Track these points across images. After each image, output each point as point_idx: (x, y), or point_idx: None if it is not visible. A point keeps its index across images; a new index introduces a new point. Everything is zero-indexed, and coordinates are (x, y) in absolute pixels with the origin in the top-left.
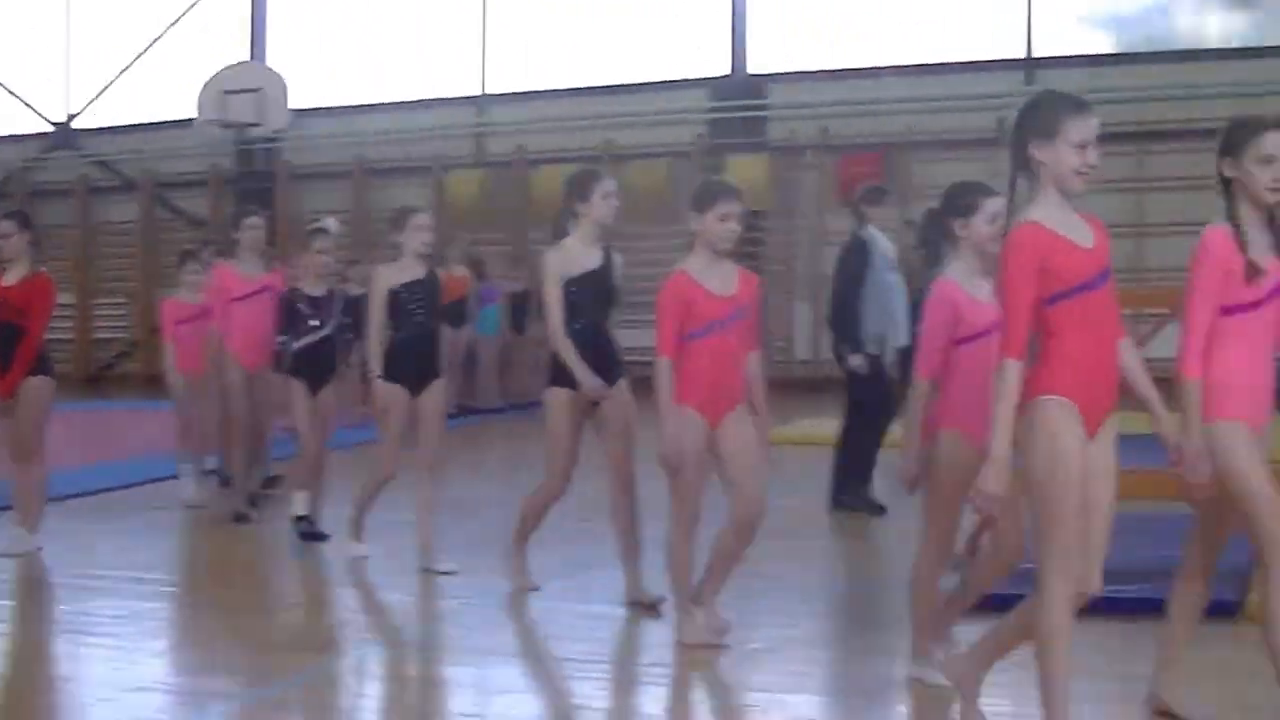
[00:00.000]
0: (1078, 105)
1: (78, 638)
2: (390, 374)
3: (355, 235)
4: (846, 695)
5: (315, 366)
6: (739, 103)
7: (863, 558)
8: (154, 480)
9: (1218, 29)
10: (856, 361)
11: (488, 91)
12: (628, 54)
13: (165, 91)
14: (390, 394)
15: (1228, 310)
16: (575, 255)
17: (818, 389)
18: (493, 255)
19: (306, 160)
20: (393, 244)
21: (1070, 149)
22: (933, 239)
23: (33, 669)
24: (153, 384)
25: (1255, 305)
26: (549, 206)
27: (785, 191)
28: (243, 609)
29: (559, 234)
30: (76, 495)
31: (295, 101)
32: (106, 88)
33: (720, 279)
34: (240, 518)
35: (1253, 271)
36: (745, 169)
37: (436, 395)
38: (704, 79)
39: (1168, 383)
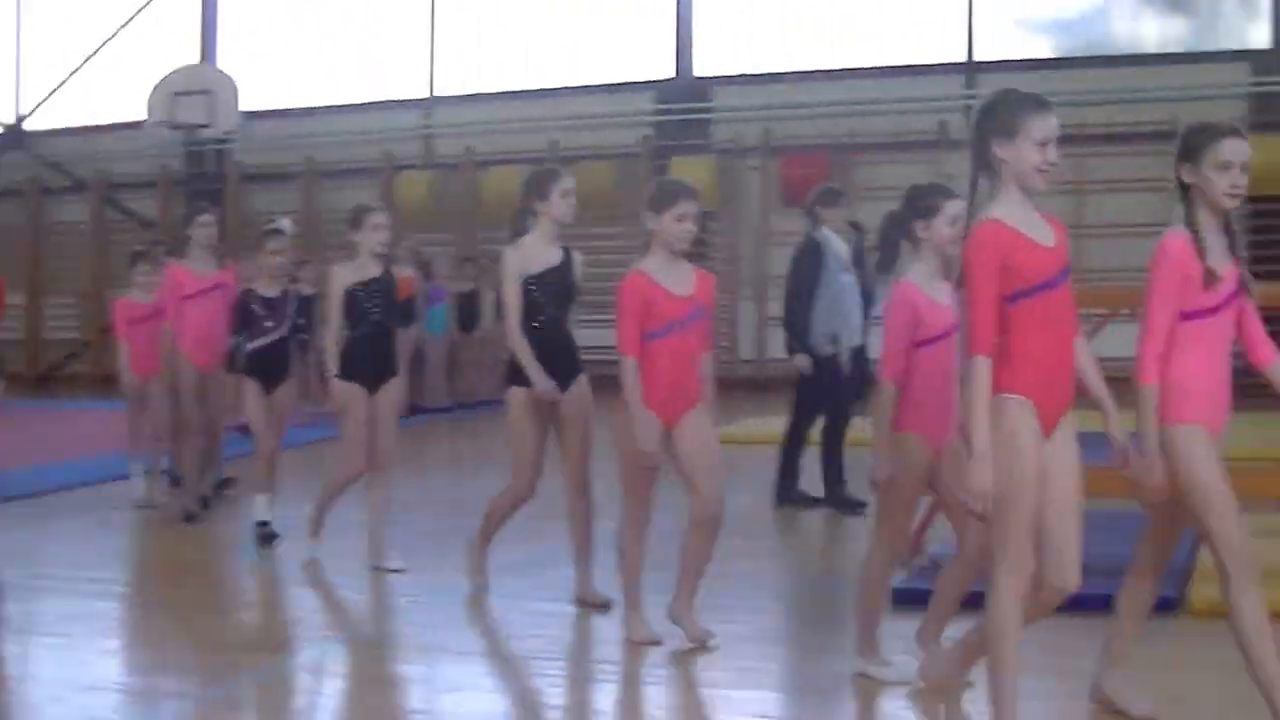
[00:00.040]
0: (1038, 103)
1: (28, 638)
2: (347, 373)
3: (306, 236)
4: (799, 692)
5: (269, 366)
6: (684, 105)
7: (813, 555)
8: (104, 480)
9: (1156, 34)
10: (802, 362)
11: (436, 94)
12: (575, 57)
13: (116, 93)
14: (347, 393)
15: (1186, 316)
16: (535, 253)
17: (761, 389)
18: (440, 255)
19: (256, 162)
20: (348, 243)
21: (1032, 147)
22: (892, 241)
23: None
24: (103, 384)
25: (1213, 311)
26: (497, 208)
27: (730, 193)
28: (194, 608)
29: (518, 233)
30: (26, 495)
31: (245, 103)
32: (57, 89)
33: (678, 279)
34: (190, 517)
35: (1210, 279)
36: (690, 170)
37: (393, 393)
38: (650, 82)
39: (1114, 382)
